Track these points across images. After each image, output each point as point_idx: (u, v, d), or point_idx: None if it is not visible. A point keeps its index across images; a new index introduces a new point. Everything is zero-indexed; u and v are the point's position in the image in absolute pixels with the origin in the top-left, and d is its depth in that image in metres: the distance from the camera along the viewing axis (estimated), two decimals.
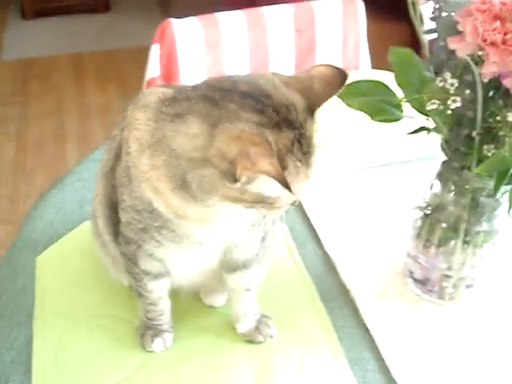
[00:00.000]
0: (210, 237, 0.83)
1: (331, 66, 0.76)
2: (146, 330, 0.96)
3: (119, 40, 4.03)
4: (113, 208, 0.88)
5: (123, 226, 0.86)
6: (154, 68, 1.64)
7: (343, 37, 1.78)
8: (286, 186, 0.66)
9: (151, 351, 0.95)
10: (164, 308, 0.95)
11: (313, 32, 1.77)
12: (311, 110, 0.73)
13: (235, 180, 0.67)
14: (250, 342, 0.98)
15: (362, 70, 1.81)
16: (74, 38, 4.05)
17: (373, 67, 1.85)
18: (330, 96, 0.74)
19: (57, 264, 1.09)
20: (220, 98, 0.70)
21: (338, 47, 1.80)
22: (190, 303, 1.01)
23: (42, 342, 0.95)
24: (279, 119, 0.69)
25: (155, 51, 1.62)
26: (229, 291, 0.98)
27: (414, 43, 0.95)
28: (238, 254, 0.91)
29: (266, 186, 0.68)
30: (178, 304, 0.98)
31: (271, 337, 0.98)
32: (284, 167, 0.69)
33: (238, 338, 0.98)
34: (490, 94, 0.82)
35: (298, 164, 0.71)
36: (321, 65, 0.76)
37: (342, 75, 0.75)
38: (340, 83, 0.74)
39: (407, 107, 0.91)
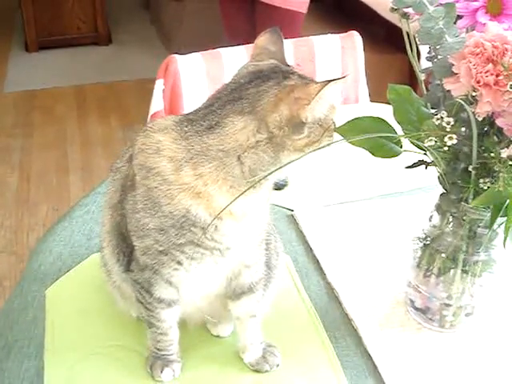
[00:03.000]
0: (236, 240, 0.87)
1: (264, 32, 0.92)
2: (156, 361, 0.98)
3: (121, 72, 4.08)
4: (121, 237, 0.92)
5: (139, 252, 0.88)
6: (157, 102, 1.68)
7: (342, 70, 1.82)
8: (335, 79, 0.78)
9: (160, 381, 0.97)
10: (173, 338, 0.98)
11: (313, 66, 1.81)
12: (284, 63, 0.89)
13: (303, 125, 0.79)
14: (257, 371, 1.00)
15: (361, 103, 1.85)
16: (77, 70, 4.10)
17: (371, 99, 1.89)
18: (282, 46, 0.92)
19: (66, 296, 1.12)
20: (238, 93, 0.81)
21: None
22: (197, 333, 1.04)
23: (53, 373, 0.97)
24: (280, 73, 0.83)
25: (159, 86, 1.66)
26: (234, 321, 1.01)
27: (411, 74, 0.98)
28: (246, 276, 0.94)
29: (324, 101, 0.80)
30: (186, 334, 1.00)
31: (277, 366, 1.00)
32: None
33: (245, 368, 1.00)
34: (485, 129, 0.86)
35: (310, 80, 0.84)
36: (258, 38, 0.92)
37: (274, 31, 0.92)
38: (278, 36, 0.92)
39: (406, 141, 0.94)
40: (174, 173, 0.81)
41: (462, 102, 0.75)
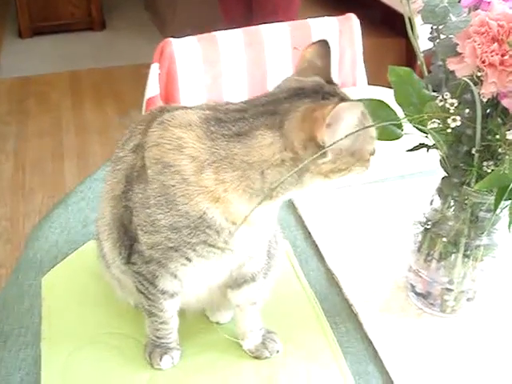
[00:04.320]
0: (248, 242, 0.87)
1: (312, 44, 0.88)
2: (155, 348, 0.97)
3: (115, 58, 4.05)
4: (123, 230, 0.90)
5: (145, 246, 0.86)
6: (153, 87, 1.65)
7: (339, 54, 1.80)
8: (352, 100, 0.78)
9: (159, 368, 0.96)
10: (173, 326, 0.96)
11: None
12: (328, 80, 0.84)
13: (322, 147, 0.75)
14: (257, 357, 0.99)
15: (358, 86, 1.83)
16: (71, 56, 4.07)
17: (369, 83, 1.87)
18: (330, 62, 0.87)
19: (62, 284, 1.11)
20: (273, 107, 0.79)
21: (334, 64, 1.81)
22: (196, 320, 1.03)
23: (50, 361, 0.96)
24: (321, 94, 0.80)
25: (154, 70, 1.64)
26: (234, 308, 1.00)
27: (409, 58, 0.97)
28: (249, 266, 0.93)
29: (340, 123, 0.75)
30: (185, 321, 0.99)
31: (277, 352, 0.99)
32: None
33: (244, 354, 0.99)
34: (488, 111, 0.85)
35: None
36: (305, 48, 0.88)
37: (322, 43, 0.87)
38: (326, 49, 0.87)
39: (406, 124, 0.93)
40: (195, 174, 0.79)
41: (469, 82, 0.73)
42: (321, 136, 0.75)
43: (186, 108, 0.86)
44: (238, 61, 1.73)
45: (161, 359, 0.96)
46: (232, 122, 0.79)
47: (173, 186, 0.80)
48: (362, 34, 1.84)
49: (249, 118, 0.79)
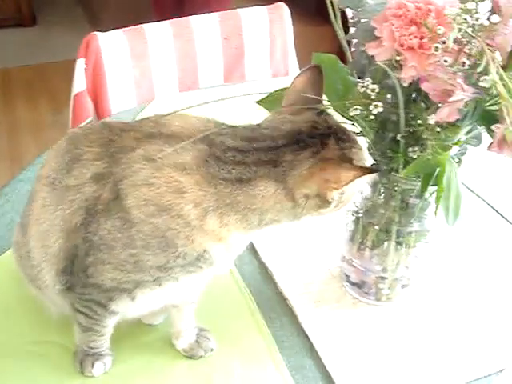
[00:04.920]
0: (230, 258, 0.87)
1: (304, 71, 0.85)
2: (86, 356, 0.93)
3: (48, 54, 3.94)
4: (71, 260, 0.84)
5: (111, 281, 0.81)
6: (79, 83, 1.60)
7: (270, 43, 1.79)
8: (374, 170, 0.81)
9: (91, 376, 0.93)
10: (108, 336, 0.93)
11: (240, 39, 1.76)
12: (321, 112, 0.83)
13: (329, 203, 0.78)
14: (191, 357, 0.96)
15: (290, 75, 1.82)
16: (1, 52, 3.94)
17: None
18: (322, 90, 0.84)
19: None
20: (275, 157, 0.78)
21: (265, 53, 1.80)
22: (128, 324, 0.98)
23: None
24: (319, 139, 0.79)
25: (80, 65, 1.59)
26: (169, 309, 0.96)
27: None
28: None
29: (356, 185, 0.78)
30: (117, 325, 0.94)
31: (211, 350, 0.97)
32: (351, 161, 0.79)
33: (179, 355, 0.97)
34: (413, 96, 0.83)
35: (354, 150, 0.81)
36: (297, 76, 0.85)
37: (315, 69, 0.84)
38: (319, 75, 0.84)
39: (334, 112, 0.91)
40: (199, 218, 0.77)
41: (385, 67, 0.72)
42: (330, 196, 0.78)
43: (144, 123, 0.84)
44: (167, 53, 1.70)
45: (92, 366, 0.93)
46: (232, 165, 0.78)
47: (173, 229, 0.77)
48: (294, 22, 1.82)
49: (251, 165, 0.78)
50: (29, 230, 0.89)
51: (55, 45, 4.04)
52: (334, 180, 0.76)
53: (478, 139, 0.84)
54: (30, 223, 0.88)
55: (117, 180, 0.78)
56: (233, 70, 1.77)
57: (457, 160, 0.89)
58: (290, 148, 0.78)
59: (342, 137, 0.81)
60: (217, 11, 1.79)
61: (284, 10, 1.80)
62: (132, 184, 0.77)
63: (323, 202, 0.78)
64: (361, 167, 0.78)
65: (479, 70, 0.64)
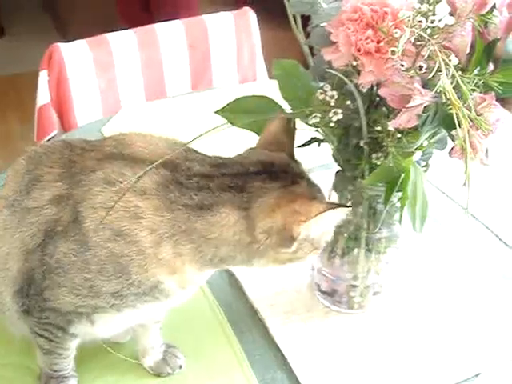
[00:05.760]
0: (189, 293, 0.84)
1: (279, 118, 0.82)
2: (50, 379, 0.90)
3: (17, 65, 3.88)
4: (29, 282, 0.80)
5: (69, 305, 0.79)
6: (43, 95, 1.58)
7: (237, 49, 1.77)
8: (341, 205, 0.78)
9: None
10: (72, 358, 0.90)
11: (206, 46, 1.74)
12: (293, 157, 0.82)
13: (292, 240, 0.73)
14: (159, 375, 0.94)
15: (259, 81, 1.80)
16: None
17: (271, 77, 1.84)
18: (294, 139, 0.83)
19: None
20: (242, 182, 0.74)
21: (233, 60, 1.78)
22: (93, 343, 0.96)
23: None
24: (291, 175, 0.77)
25: (43, 78, 1.57)
26: (135, 327, 0.93)
27: (311, 50, 0.93)
28: None
29: (323, 224, 0.75)
30: (82, 346, 0.92)
31: (180, 367, 0.95)
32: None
33: (146, 373, 0.94)
34: (375, 101, 0.82)
35: (319, 194, 0.79)
36: (271, 121, 0.83)
37: (289, 120, 0.82)
38: (292, 126, 0.83)
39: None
40: (154, 246, 0.74)
41: (339, 74, 0.70)
42: (297, 231, 0.73)
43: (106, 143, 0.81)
44: (133, 62, 1.67)
45: None
46: (194, 190, 0.74)
47: (127, 255, 0.74)
48: (263, 27, 1.81)
49: (214, 190, 0.74)
50: None
51: (24, 55, 3.98)
52: (303, 211, 0.72)
53: (442, 142, 0.82)
54: None
55: (76, 202, 0.76)
56: (199, 76, 1.75)
57: (424, 164, 0.87)
58: (259, 176, 0.75)
59: (312, 183, 0.79)
60: (185, 17, 1.77)
61: (250, 15, 1.78)
62: (91, 207, 0.75)
63: (285, 239, 0.74)
64: (332, 202, 0.76)
65: (431, 75, 0.62)
